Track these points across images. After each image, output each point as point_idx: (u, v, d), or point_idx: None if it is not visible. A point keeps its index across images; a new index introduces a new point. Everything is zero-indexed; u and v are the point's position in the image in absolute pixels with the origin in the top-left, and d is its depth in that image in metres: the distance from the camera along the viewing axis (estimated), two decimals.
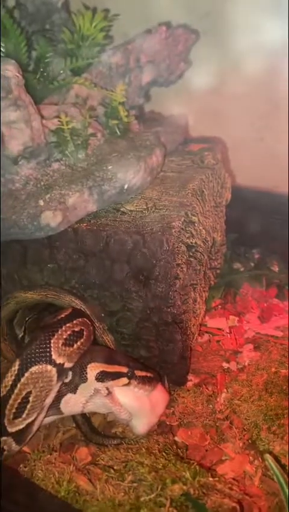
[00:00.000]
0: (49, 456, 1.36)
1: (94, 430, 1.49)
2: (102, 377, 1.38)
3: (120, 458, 1.32)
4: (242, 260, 2.19)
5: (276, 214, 2.13)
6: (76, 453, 1.41)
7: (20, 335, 1.76)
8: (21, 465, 1.36)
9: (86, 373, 1.38)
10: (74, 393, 1.40)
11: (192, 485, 1.17)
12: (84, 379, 1.38)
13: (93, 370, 1.38)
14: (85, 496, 1.23)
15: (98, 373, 1.38)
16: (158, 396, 1.47)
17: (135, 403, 1.42)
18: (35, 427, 1.36)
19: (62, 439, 1.48)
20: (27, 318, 1.79)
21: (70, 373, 1.40)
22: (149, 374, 1.43)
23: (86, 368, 1.38)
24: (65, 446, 1.45)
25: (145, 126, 1.91)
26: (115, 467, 1.28)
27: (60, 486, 1.24)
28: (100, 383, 1.38)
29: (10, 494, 1.18)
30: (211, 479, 1.20)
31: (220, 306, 1.99)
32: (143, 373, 1.42)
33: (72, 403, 1.42)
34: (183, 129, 2.04)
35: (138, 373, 1.41)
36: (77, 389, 1.40)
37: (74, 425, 1.51)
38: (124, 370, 1.40)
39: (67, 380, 1.40)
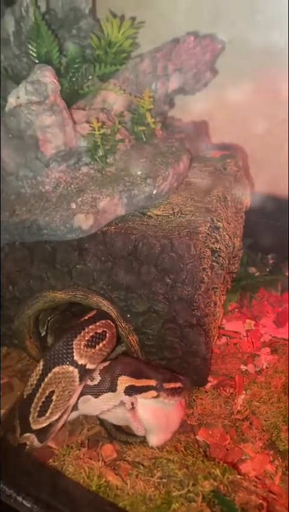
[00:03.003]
0: (77, 451, 1.40)
1: (118, 428, 1.53)
2: (130, 391, 1.42)
3: (147, 454, 1.37)
4: (257, 265, 2.23)
5: None
6: (102, 449, 1.46)
7: (43, 334, 1.81)
8: (50, 460, 1.41)
9: (116, 384, 1.42)
10: (96, 397, 1.44)
11: (222, 482, 1.21)
12: (114, 389, 1.43)
13: (122, 383, 1.43)
14: (116, 490, 1.27)
15: (127, 387, 1.42)
16: (175, 413, 1.51)
17: (152, 419, 1.46)
18: (58, 427, 1.41)
19: (87, 435, 1.52)
20: (49, 318, 1.84)
21: (99, 378, 1.44)
22: (177, 385, 1.47)
23: (117, 380, 1.43)
24: (90, 442, 1.50)
25: (167, 133, 1.95)
26: (144, 463, 1.32)
27: (91, 480, 1.29)
28: (128, 396, 1.42)
29: (43, 487, 1.22)
30: (238, 476, 1.25)
31: (236, 310, 2.04)
32: (171, 385, 1.46)
33: (91, 405, 1.46)
34: (205, 136, 2.08)
35: (167, 385, 1.45)
36: (100, 395, 1.44)
37: (98, 422, 1.56)
38: (153, 383, 1.44)
39: (92, 384, 1.44)
